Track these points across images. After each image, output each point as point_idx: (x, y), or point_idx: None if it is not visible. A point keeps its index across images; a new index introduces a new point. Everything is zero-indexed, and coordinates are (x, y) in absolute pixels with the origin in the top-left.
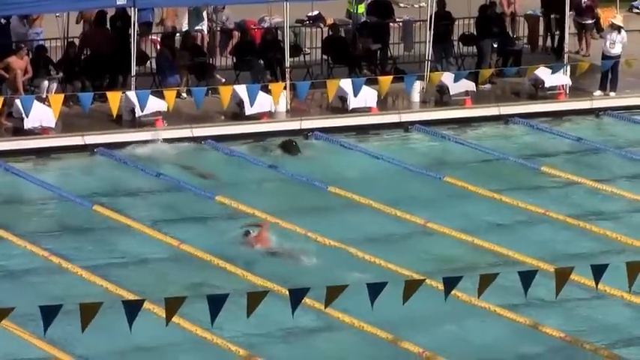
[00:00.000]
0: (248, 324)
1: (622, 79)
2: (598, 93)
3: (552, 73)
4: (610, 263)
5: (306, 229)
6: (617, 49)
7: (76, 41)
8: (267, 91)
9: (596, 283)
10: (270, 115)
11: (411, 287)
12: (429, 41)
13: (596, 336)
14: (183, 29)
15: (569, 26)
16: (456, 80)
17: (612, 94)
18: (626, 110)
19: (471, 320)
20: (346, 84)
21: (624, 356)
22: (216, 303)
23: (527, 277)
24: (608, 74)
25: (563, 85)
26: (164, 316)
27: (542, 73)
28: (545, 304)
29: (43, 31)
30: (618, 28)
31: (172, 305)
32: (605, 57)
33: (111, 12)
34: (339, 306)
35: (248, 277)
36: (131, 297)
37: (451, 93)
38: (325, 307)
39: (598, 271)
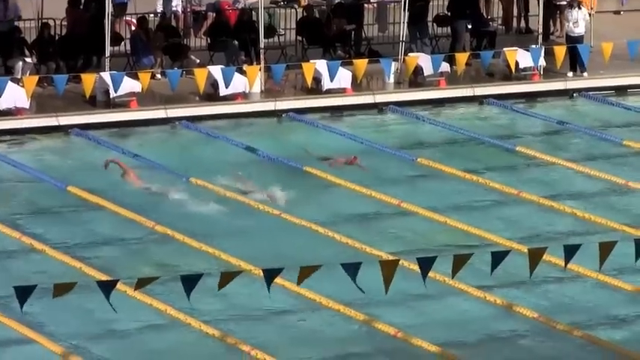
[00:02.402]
0: (222, 304)
1: (595, 60)
2: (571, 74)
3: (530, 55)
4: (583, 243)
5: (280, 210)
6: (580, 29)
7: (51, 22)
8: (242, 72)
9: (566, 263)
10: (244, 96)
11: (386, 268)
12: (404, 22)
13: (569, 316)
14: (158, 10)
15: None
16: (434, 67)
17: (585, 74)
18: (600, 91)
19: (445, 300)
20: (321, 65)
21: (597, 336)
22: (189, 283)
23: (500, 257)
24: (577, 55)
25: (537, 66)
26: (139, 297)
27: (518, 54)
28: (519, 285)
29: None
30: (579, 4)
31: (144, 285)
32: (568, 37)
33: None
34: (312, 286)
35: (222, 256)
36: (105, 277)
37: (425, 74)
38: (298, 283)
39: (570, 252)
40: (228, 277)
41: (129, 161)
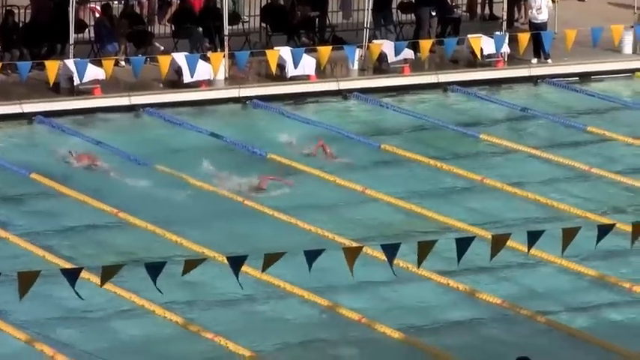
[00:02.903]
0: (185, 291)
1: (559, 47)
2: (535, 61)
3: (494, 42)
4: (546, 230)
5: (243, 197)
6: (544, 15)
7: (15, 9)
8: (206, 59)
9: (529, 249)
10: (208, 83)
11: (349, 254)
12: (368, 9)
13: (532, 302)
14: None
15: None
16: (397, 53)
17: (549, 61)
18: (564, 78)
19: (409, 286)
20: (285, 52)
21: (560, 321)
22: (154, 270)
23: (464, 243)
24: (541, 42)
25: (501, 53)
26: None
27: (481, 41)
28: (483, 271)
29: None
30: None
31: (109, 272)
32: (532, 24)
33: None
34: (277, 273)
35: (185, 243)
36: (69, 265)
37: (390, 61)
38: (263, 270)
39: (534, 238)
40: (192, 264)
41: (92, 148)
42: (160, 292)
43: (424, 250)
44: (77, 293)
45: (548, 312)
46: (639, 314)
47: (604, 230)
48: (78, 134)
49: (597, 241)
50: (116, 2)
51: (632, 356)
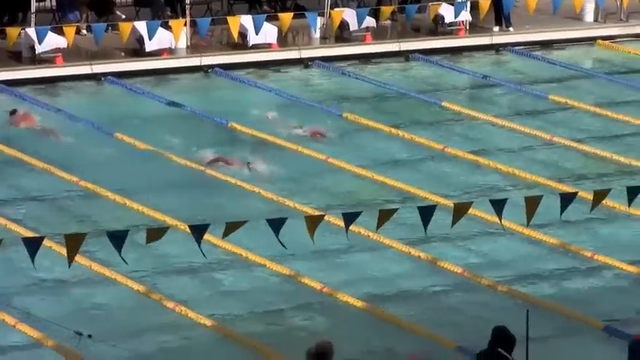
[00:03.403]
0: (147, 259)
1: (521, 15)
2: (497, 29)
3: (454, 10)
4: (509, 198)
5: (205, 166)
6: None
7: None
8: (168, 27)
9: (500, 219)
10: (170, 52)
11: (311, 223)
12: None
13: (494, 271)
14: None
15: None
16: (358, 21)
17: (511, 29)
18: (525, 46)
19: (371, 255)
20: (247, 20)
21: (522, 290)
22: (117, 239)
23: (426, 212)
24: (501, 9)
25: (463, 21)
26: (64, 252)
27: (443, 9)
28: (444, 240)
29: None
30: None
31: (72, 242)
32: None
33: None
34: (239, 242)
35: (147, 212)
36: (30, 234)
37: (351, 29)
38: (223, 237)
39: (496, 206)
40: (155, 233)
41: (53, 116)
42: (125, 262)
43: (384, 217)
44: (33, 262)
45: (509, 280)
46: (601, 282)
47: (566, 199)
48: (39, 103)
49: (561, 211)
50: None
51: (593, 323)
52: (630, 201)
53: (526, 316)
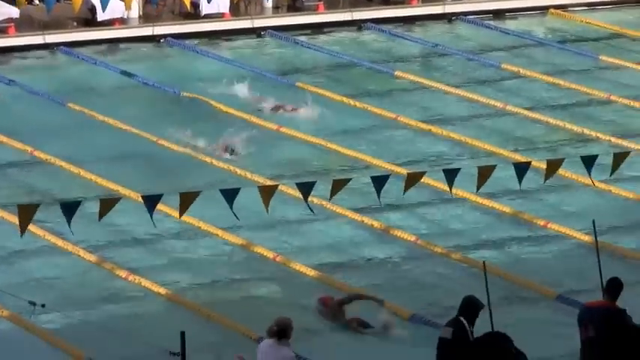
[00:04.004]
0: (99, 230)
1: None
2: None
3: None
4: (461, 167)
5: (157, 136)
6: None
7: None
8: None
9: (450, 188)
10: (122, 22)
11: (265, 193)
12: None
13: (447, 239)
14: None
15: None
16: None
17: None
18: (478, 15)
19: (324, 224)
20: None
21: (475, 259)
22: (69, 209)
23: (380, 181)
24: None
25: None
26: (16, 222)
27: None
28: (397, 208)
29: None
30: None
31: (25, 212)
32: None
33: None
34: (193, 212)
35: (100, 182)
36: None
37: None
38: (180, 216)
39: (449, 175)
40: (107, 203)
41: (5, 88)
42: (72, 232)
43: (338, 186)
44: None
45: (462, 249)
46: (554, 251)
47: (520, 168)
48: None
49: (519, 181)
50: None
51: (546, 292)
52: (586, 170)
53: (484, 274)
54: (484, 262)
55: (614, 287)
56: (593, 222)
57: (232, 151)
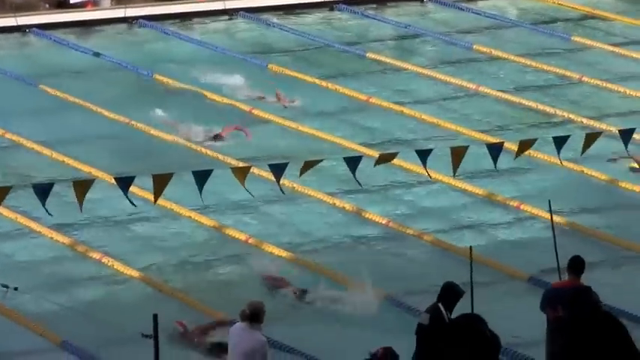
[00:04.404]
0: (72, 212)
1: None
2: None
3: None
4: (434, 148)
5: (130, 118)
6: None
7: None
8: None
9: (425, 168)
10: (94, 3)
11: (239, 174)
12: None
13: (419, 221)
14: None
15: None
16: None
17: None
18: None
19: (297, 207)
20: None
21: (447, 241)
22: (42, 191)
23: (353, 162)
24: None
25: None
26: None
27: None
28: (369, 190)
29: None
30: None
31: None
32: None
33: None
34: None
35: (73, 163)
36: None
37: None
38: (155, 200)
39: (422, 156)
40: (80, 185)
41: None
42: (50, 214)
43: (308, 167)
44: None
45: (435, 231)
46: (526, 233)
47: (494, 149)
48: None
49: (494, 162)
50: None
51: (518, 274)
52: (557, 150)
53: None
54: (470, 247)
55: (577, 265)
56: (549, 202)
57: (217, 137)
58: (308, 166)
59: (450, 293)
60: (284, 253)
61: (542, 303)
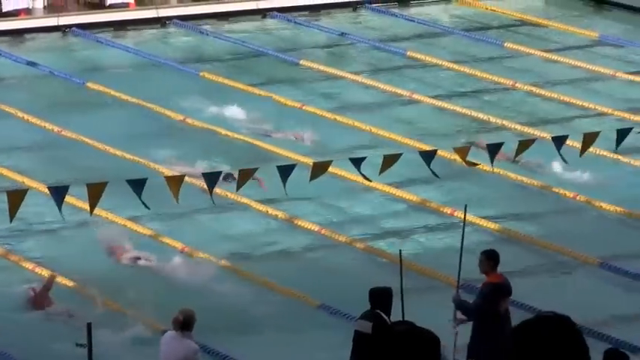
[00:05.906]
0: (5, 221)
1: None
2: None
3: None
4: (368, 156)
5: (63, 126)
6: None
7: None
8: None
9: (362, 174)
10: (27, 12)
11: (172, 183)
12: None
13: (352, 228)
14: None
15: None
16: None
17: None
18: (383, 3)
19: (230, 215)
20: None
21: (380, 248)
22: None
23: (286, 171)
24: None
25: None
26: None
27: None
28: (303, 199)
29: None
30: None
31: None
32: None
33: None
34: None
35: (4, 173)
36: None
37: None
38: (91, 210)
39: (356, 164)
40: (15, 195)
41: None
42: None
43: (244, 177)
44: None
45: (368, 238)
46: (459, 239)
47: (427, 156)
48: None
49: (432, 171)
50: None
51: (451, 282)
52: (490, 158)
53: (400, 262)
54: (400, 250)
55: (496, 257)
56: (465, 207)
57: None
58: (244, 176)
59: (385, 298)
60: (219, 262)
61: (495, 296)
